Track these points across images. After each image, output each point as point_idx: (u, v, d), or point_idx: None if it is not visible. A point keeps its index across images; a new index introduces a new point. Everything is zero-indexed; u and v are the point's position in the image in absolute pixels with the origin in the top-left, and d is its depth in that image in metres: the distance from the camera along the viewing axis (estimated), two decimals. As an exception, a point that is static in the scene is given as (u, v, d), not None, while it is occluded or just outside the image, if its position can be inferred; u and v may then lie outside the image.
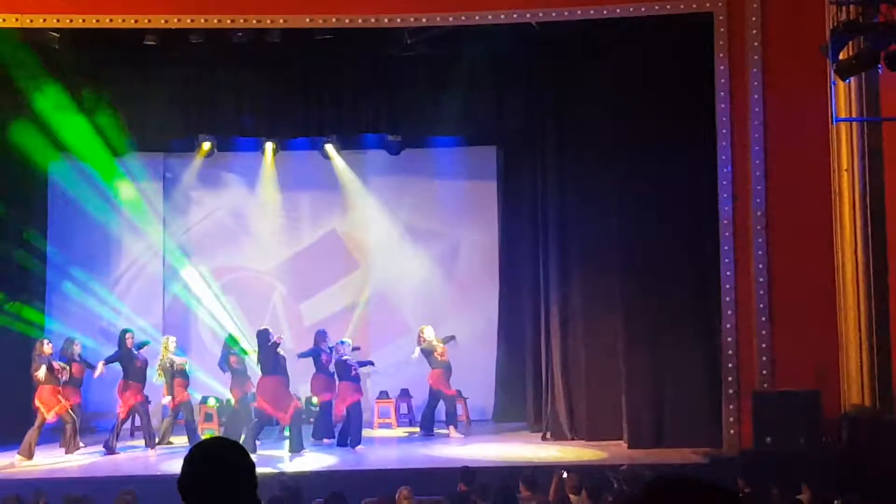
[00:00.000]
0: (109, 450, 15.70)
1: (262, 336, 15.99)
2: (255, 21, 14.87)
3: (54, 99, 15.81)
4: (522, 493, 10.81)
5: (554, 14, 14.87)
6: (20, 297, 17.22)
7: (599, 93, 15.99)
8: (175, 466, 14.42)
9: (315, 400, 17.76)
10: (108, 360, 16.19)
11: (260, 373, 16.02)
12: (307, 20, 14.90)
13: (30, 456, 15.28)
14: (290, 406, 15.65)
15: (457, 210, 19.74)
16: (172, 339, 16.98)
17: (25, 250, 17.61)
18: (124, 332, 16.38)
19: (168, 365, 16.55)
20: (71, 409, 16.00)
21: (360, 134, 18.45)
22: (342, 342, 16.60)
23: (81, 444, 16.03)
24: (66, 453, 15.59)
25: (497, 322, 19.08)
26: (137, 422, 16.88)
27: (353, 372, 16.36)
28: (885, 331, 13.92)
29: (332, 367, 16.40)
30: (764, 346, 14.41)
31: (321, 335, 16.69)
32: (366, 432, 16.62)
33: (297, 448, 15.44)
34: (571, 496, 10.60)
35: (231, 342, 17.16)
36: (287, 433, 15.93)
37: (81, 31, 14.82)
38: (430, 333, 17.18)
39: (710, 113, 14.75)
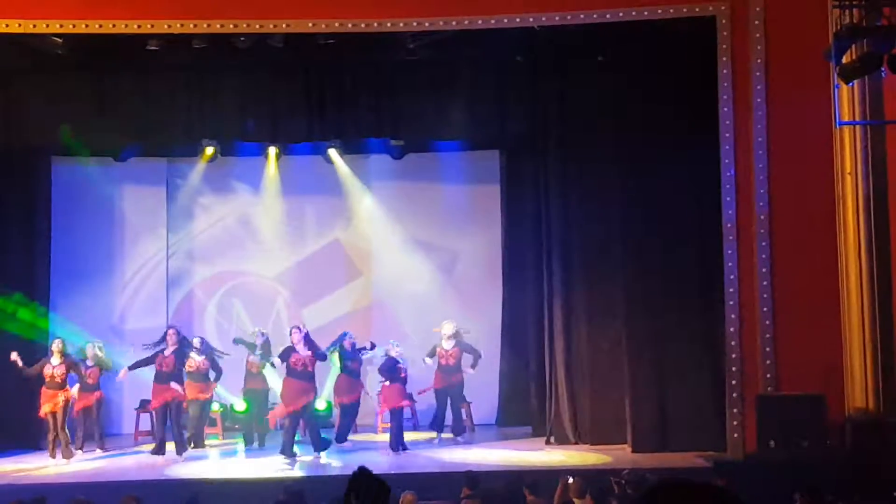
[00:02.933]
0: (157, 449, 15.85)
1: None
2: (257, 26, 14.86)
3: (57, 103, 15.82)
4: (527, 497, 10.80)
5: (556, 18, 14.86)
6: (23, 300, 17.17)
7: (602, 96, 16.01)
8: (178, 471, 14.52)
9: (322, 405, 17.85)
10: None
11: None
12: (310, 25, 14.89)
13: (53, 455, 15.48)
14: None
15: (460, 214, 19.71)
16: (195, 340, 17.00)
17: (30, 254, 17.55)
18: (168, 328, 16.52)
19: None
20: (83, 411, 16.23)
21: (362, 138, 18.46)
22: (392, 343, 16.76)
23: (77, 452, 15.96)
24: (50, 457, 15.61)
25: (500, 326, 19.05)
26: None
27: (403, 374, 16.49)
28: (888, 334, 13.93)
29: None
30: (767, 349, 14.40)
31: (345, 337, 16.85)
32: (370, 436, 16.64)
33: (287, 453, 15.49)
34: (576, 500, 10.59)
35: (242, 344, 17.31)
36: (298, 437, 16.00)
37: (84, 36, 14.81)
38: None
39: (713, 116, 14.73)
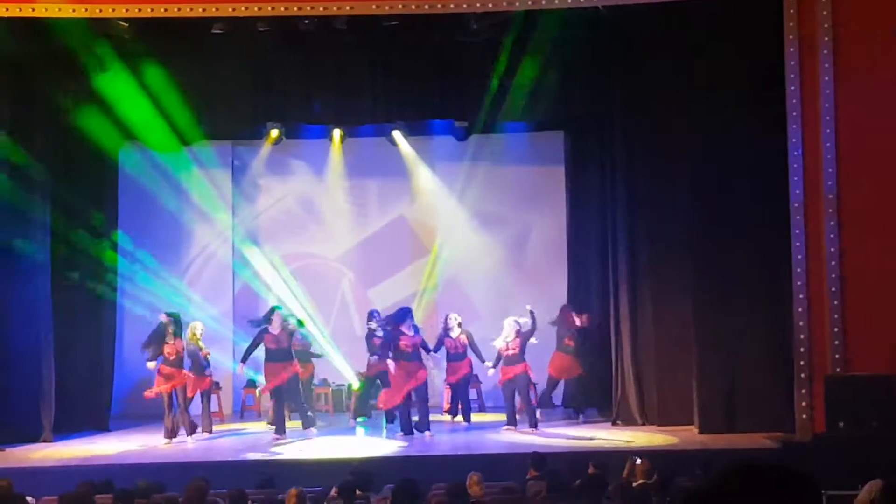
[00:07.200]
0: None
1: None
2: (321, 8, 14.90)
3: (124, 88, 15.92)
4: (590, 468, 10.81)
5: (620, -2, 14.81)
6: (92, 282, 17.33)
7: (666, 77, 15.87)
8: (249, 452, 14.52)
9: (353, 385, 17.94)
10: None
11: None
12: (373, 7, 14.91)
13: (171, 436, 15.73)
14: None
15: (524, 195, 19.71)
16: (199, 324, 16.69)
17: (96, 237, 17.65)
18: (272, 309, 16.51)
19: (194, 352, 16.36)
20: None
21: (426, 120, 18.50)
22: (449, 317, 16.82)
23: (183, 432, 15.96)
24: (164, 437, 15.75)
25: (566, 307, 18.98)
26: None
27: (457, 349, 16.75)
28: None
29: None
30: (836, 329, 14.26)
31: (404, 313, 16.59)
32: (434, 417, 16.64)
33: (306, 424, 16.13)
34: (643, 481, 10.55)
35: (299, 325, 17.25)
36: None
37: (150, 20, 14.94)
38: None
39: (780, 96, 14.59)
